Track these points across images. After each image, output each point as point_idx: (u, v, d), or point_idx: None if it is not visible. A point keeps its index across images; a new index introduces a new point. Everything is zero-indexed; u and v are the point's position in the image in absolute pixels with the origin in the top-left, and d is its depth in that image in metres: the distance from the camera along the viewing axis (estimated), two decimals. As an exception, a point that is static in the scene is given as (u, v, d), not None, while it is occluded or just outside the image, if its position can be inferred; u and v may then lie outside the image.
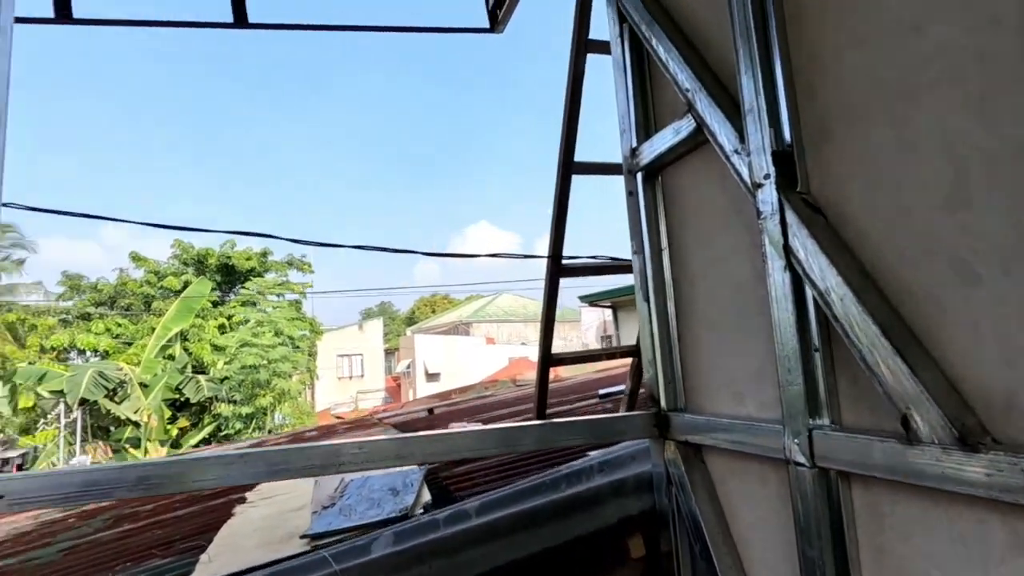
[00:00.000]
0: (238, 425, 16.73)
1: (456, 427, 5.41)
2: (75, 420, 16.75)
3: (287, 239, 3.56)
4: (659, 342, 2.19)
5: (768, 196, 1.60)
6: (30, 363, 19.01)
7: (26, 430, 17.72)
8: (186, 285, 20.90)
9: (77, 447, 16.70)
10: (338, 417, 27.71)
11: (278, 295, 22.18)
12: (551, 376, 3.24)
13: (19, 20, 1.79)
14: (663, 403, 2.17)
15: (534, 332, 42.65)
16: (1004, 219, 1.14)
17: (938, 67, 1.25)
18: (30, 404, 16.41)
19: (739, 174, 1.73)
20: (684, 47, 2.02)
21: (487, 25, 3.94)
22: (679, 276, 2.17)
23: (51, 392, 15.41)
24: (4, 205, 1.69)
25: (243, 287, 22.04)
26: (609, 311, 19.71)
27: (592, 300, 18.50)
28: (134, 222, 3.44)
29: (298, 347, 20.48)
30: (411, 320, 55.89)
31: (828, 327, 1.48)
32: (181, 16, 3.28)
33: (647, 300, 2.24)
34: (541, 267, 2.88)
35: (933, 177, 1.27)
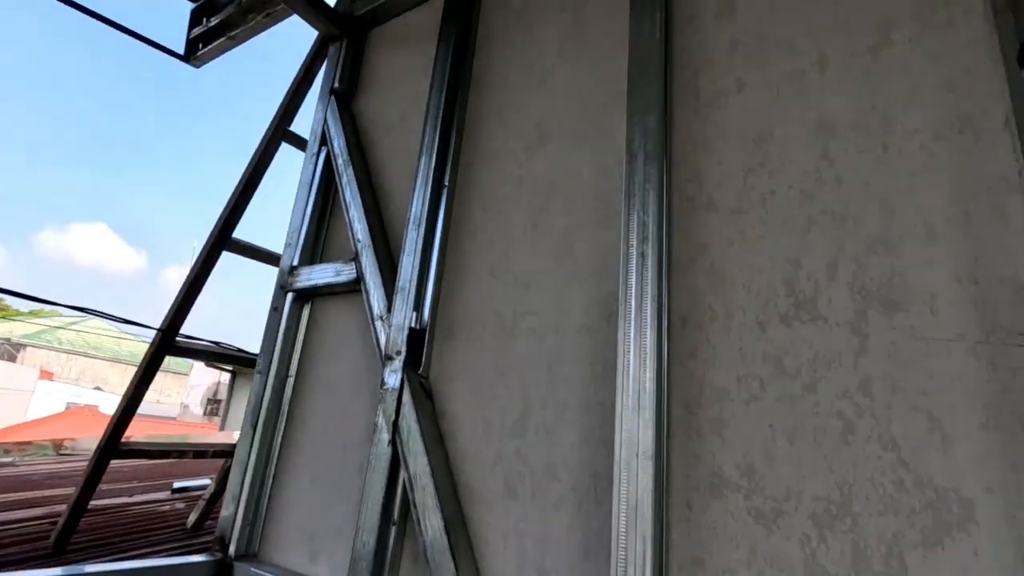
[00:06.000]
0: None
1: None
2: None
3: None
4: (251, 479, 2.00)
5: (395, 370, 1.72)
6: None
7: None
8: None
9: None
10: None
11: None
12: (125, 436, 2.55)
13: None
14: (232, 548, 1.94)
15: (121, 376, 34.16)
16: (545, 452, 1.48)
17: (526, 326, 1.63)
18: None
19: (377, 340, 1.83)
20: (369, 198, 2.13)
21: (182, 52, 3.48)
22: (296, 412, 2.09)
23: None
24: None
25: None
26: (228, 375, 17.47)
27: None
28: None
29: None
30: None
31: (408, 507, 1.61)
32: None
33: (253, 428, 2.05)
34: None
35: (510, 404, 1.58)
